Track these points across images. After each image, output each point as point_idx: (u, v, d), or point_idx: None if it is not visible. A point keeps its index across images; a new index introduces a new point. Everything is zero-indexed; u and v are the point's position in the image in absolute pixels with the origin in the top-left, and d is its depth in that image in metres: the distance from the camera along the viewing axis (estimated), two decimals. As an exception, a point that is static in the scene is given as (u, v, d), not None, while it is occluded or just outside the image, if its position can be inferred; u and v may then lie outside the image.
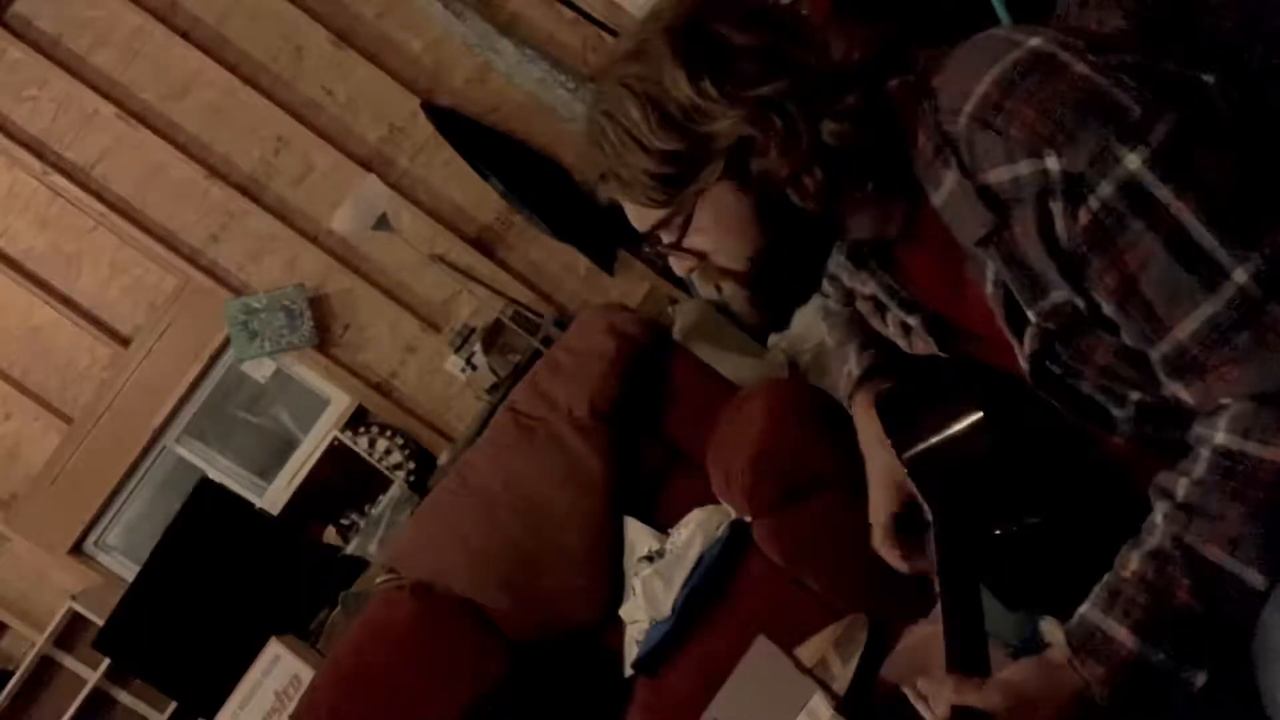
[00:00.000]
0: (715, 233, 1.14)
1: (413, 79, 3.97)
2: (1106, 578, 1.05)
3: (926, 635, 1.41)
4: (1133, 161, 0.97)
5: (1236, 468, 0.99)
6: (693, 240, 1.15)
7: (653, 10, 1.12)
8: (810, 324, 3.19)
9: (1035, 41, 1.04)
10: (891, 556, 1.34)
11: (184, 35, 3.95)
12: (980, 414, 1.19)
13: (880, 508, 1.34)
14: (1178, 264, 0.98)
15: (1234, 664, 1.03)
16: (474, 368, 3.94)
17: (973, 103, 1.03)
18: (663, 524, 2.63)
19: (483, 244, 4.04)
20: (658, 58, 1.08)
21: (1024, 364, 1.13)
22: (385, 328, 4.11)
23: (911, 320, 1.25)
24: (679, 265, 1.20)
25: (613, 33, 3.60)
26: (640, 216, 1.18)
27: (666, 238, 1.17)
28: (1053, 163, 0.99)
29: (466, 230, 4.04)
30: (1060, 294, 1.05)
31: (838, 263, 1.34)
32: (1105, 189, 0.98)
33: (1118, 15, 1.58)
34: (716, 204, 1.12)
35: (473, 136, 3.93)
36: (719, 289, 1.20)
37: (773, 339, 3.34)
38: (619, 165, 1.13)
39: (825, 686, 1.49)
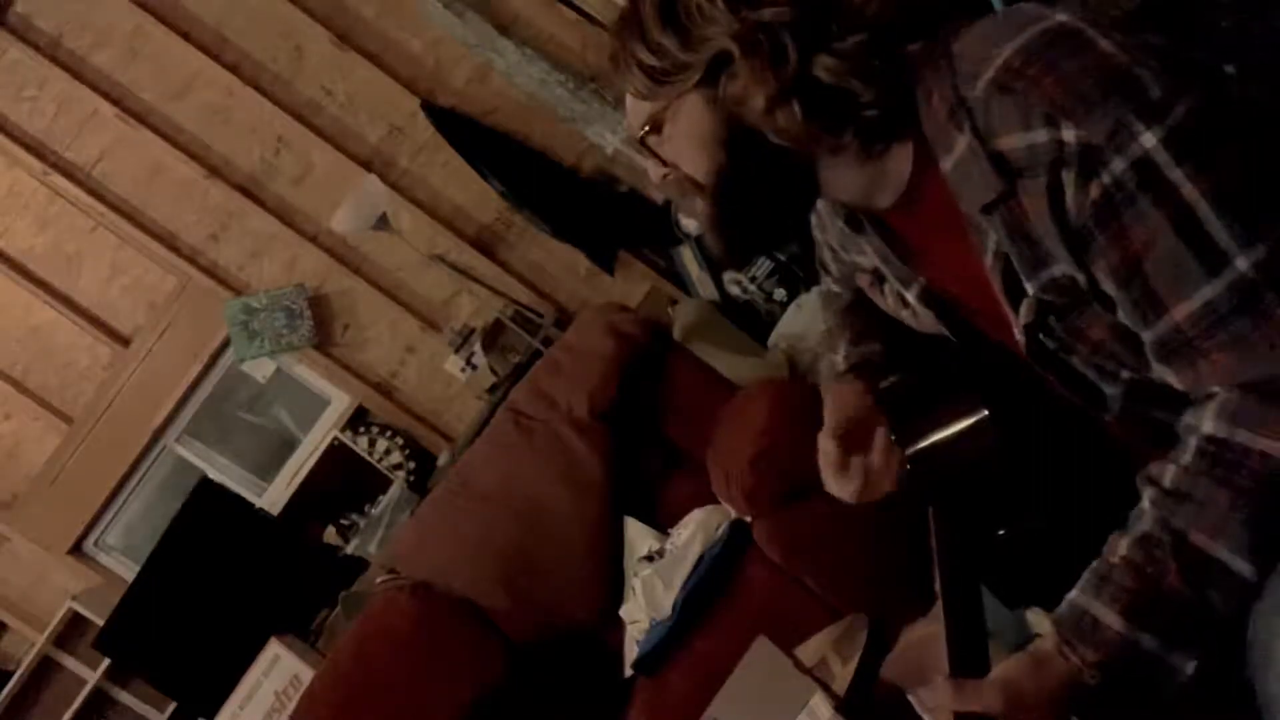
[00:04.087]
0: (681, 141, 1.16)
1: (413, 79, 3.97)
2: (1094, 564, 1.06)
3: (926, 635, 1.41)
4: (1149, 140, 0.97)
5: (1224, 455, 1.00)
6: (666, 145, 1.18)
7: None
8: (810, 324, 3.19)
9: (1063, 16, 1.04)
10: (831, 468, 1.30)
11: (184, 35, 3.95)
12: (985, 411, 1.19)
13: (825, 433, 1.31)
14: (1183, 246, 0.98)
15: (1225, 657, 1.03)
16: (474, 368, 3.94)
17: (994, 69, 1.03)
18: (663, 524, 2.63)
19: (483, 244, 4.04)
20: None
21: (1019, 336, 1.13)
22: (385, 328, 4.11)
23: (909, 293, 1.25)
24: (653, 171, 1.22)
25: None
26: (635, 112, 1.20)
27: (651, 141, 1.19)
28: (1069, 133, 0.99)
29: (466, 230, 4.04)
30: (1060, 267, 1.06)
31: (837, 235, 1.34)
32: (1119, 165, 0.98)
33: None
34: (689, 113, 1.14)
35: (473, 136, 3.93)
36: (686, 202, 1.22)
37: (773, 339, 3.34)
38: (622, 48, 1.16)
39: (825, 686, 1.49)
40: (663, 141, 1.18)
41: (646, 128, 1.18)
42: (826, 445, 1.29)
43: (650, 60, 1.13)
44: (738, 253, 1.33)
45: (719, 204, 1.18)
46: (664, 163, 1.19)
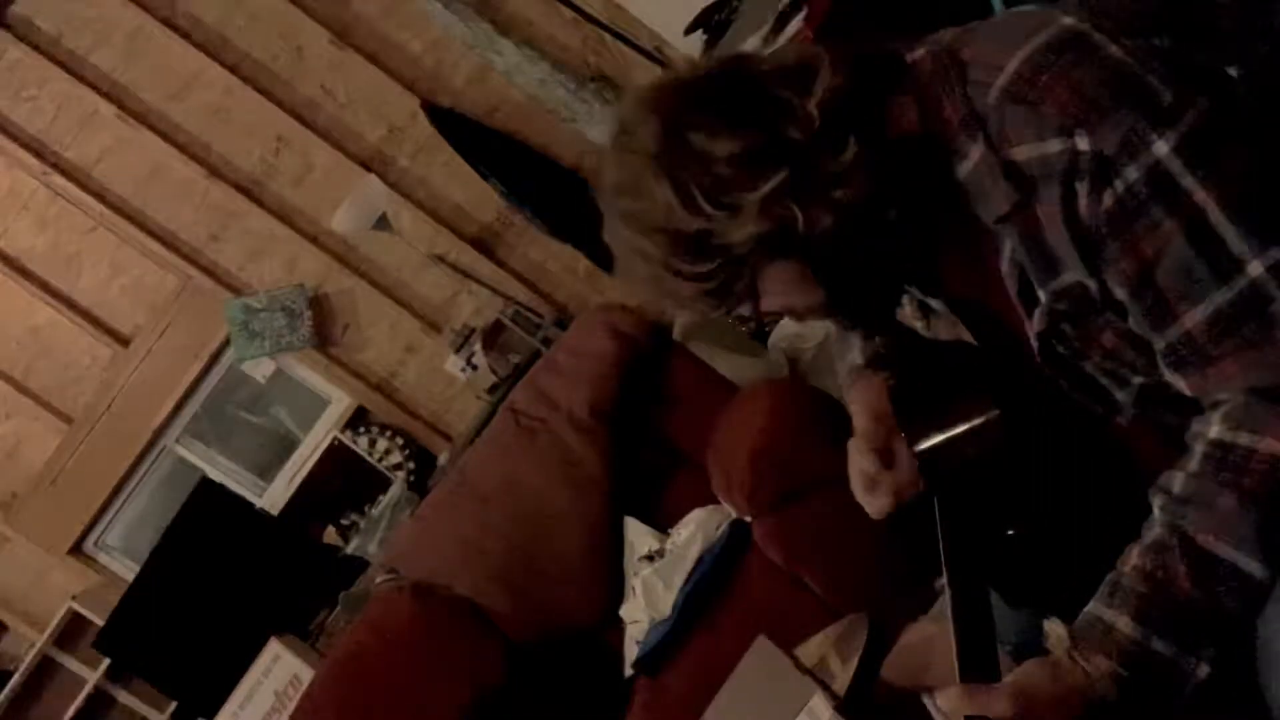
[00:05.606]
0: (783, 291, 1.13)
1: (413, 79, 3.97)
2: (1109, 575, 1.06)
3: (927, 634, 1.41)
4: (1161, 148, 0.97)
5: (1229, 458, 1.01)
6: (769, 304, 1.15)
7: (623, 129, 1.10)
8: (810, 323, 3.18)
9: (1068, 20, 1.04)
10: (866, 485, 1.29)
11: (184, 35, 3.95)
12: (997, 411, 1.18)
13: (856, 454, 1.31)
14: (1194, 252, 0.98)
15: (1237, 661, 1.03)
16: (474, 368, 3.94)
17: (1005, 78, 1.03)
18: (663, 524, 2.63)
19: (483, 244, 4.04)
20: (651, 192, 1.07)
21: (1033, 342, 1.14)
22: (385, 328, 4.11)
23: (935, 302, 1.25)
24: (771, 321, 1.22)
25: (613, 33, 3.59)
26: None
27: (747, 312, 1.17)
28: (1083, 143, 0.99)
29: (466, 230, 4.04)
30: (1072, 275, 1.06)
31: None
32: (1131, 173, 0.98)
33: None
34: (771, 279, 1.11)
35: (473, 136, 3.93)
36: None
37: (773, 339, 3.34)
38: (670, 294, 1.14)
39: (825, 686, 1.48)
40: (766, 301, 1.14)
41: (743, 312, 1.16)
42: (857, 457, 1.27)
43: (703, 286, 1.10)
44: (885, 322, 1.31)
45: (846, 310, 1.18)
46: (775, 314, 1.18)
